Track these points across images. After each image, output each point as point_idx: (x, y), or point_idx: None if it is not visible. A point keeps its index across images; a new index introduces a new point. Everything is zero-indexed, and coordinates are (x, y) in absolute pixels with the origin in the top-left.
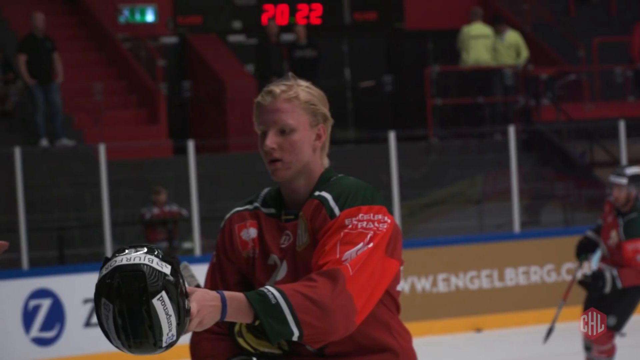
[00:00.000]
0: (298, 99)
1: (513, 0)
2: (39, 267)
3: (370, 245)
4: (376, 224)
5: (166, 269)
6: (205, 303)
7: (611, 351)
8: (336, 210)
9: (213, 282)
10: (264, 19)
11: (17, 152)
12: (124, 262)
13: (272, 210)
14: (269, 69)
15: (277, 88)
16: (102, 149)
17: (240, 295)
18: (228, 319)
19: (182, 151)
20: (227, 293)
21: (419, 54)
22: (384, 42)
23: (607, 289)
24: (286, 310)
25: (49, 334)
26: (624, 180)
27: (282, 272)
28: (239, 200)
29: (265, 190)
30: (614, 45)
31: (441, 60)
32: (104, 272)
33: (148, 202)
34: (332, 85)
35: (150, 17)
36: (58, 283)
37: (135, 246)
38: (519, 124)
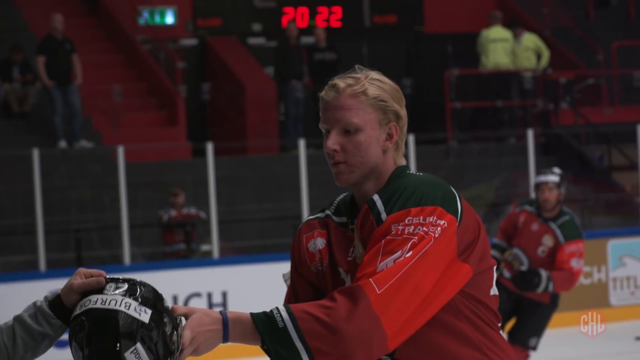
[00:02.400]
0: (365, 94)
1: (532, 4)
2: (57, 269)
3: (409, 254)
4: (425, 228)
5: (145, 315)
6: (201, 329)
7: None
8: (383, 215)
9: (289, 299)
10: (284, 21)
11: (36, 153)
12: (98, 304)
13: (344, 219)
14: (289, 71)
15: (341, 82)
16: (120, 151)
17: (246, 316)
18: (233, 342)
19: (201, 153)
20: (231, 314)
21: (438, 57)
22: (403, 45)
23: (541, 288)
24: (294, 336)
25: (66, 336)
26: (557, 178)
27: None
28: (258, 202)
29: (341, 196)
30: (633, 49)
31: (460, 63)
32: (77, 311)
33: (166, 205)
34: None
35: (170, 19)
36: None
37: (117, 281)
38: (538, 127)
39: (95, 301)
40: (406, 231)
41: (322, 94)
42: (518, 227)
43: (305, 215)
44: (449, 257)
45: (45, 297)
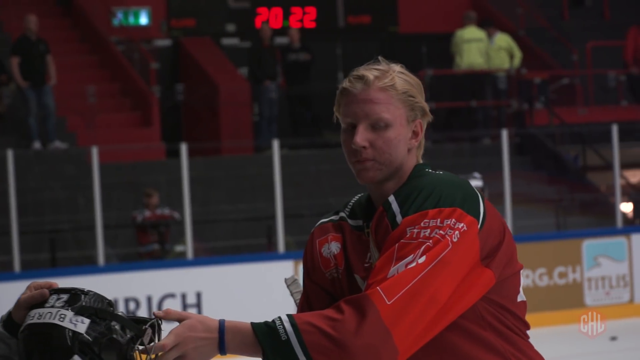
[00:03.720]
0: (394, 88)
1: (507, 4)
2: (31, 270)
3: (423, 259)
4: (441, 231)
5: (81, 325)
6: (191, 334)
7: None
8: (399, 217)
9: (302, 307)
10: (258, 22)
11: (10, 154)
12: (35, 319)
13: (359, 222)
14: (263, 72)
15: (369, 73)
16: (94, 151)
17: (246, 326)
18: (231, 353)
19: (175, 154)
20: (230, 323)
21: (412, 58)
22: (377, 46)
23: None
24: (298, 350)
25: None
26: (480, 183)
27: None
28: (232, 203)
29: (356, 197)
30: (608, 49)
31: (435, 64)
32: (22, 327)
33: (140, 205)
34: (325, 88)
35: (144, 19)
36: None
37: (60, 292)
38: (512, 127)
39: (34, 316)
40: (422, 234)
41: (347, 85)
42: None
43: (280, 215)
44: (470, 262)
45: (1, 317)
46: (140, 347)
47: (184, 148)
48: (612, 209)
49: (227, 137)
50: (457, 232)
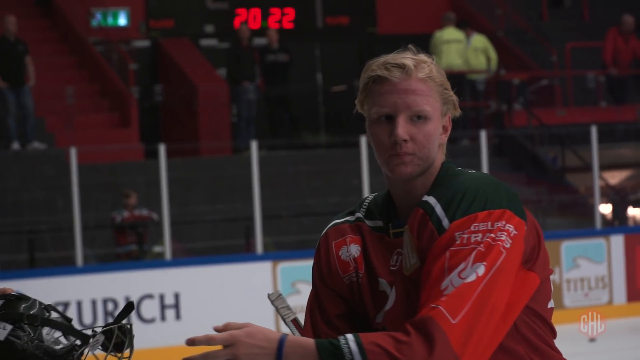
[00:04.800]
0: (433, 79)
1: (486, 5)
2: (10, 270)
3: (481, 269)
4: (492, 235)
5: (2, 332)
6: (248, 340)
7: None
8: (445, 221)
9: (313, 318)
10: (237, 23)
11: None
12: None
13: (379, 223)
14: (241, 73)
15: (408, 61)
16: (73, 152)
17: (309, 342)
18: None
19: (154, 155)
20: (291, 337)
21: None
22: (356, 47)
23: None
24: None
25: None
26: None
27: (390, 301)
28: (210, 204)
29: (370, 197)
30: (587, 50)
31: None
32: None
33: (119, 206)
34: (303, 89)
35: (122, 20)
36: (28, 286)
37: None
38: (491, 129)
39: None
40: (472, 240)
41: (383, 73)
42: None
43: (258, 216)
44: (517, 265)
45: None
46: (95, 353)
47: (162, 149)
48: (591, 210)
49: (206, 137)
50: (507, 235)
